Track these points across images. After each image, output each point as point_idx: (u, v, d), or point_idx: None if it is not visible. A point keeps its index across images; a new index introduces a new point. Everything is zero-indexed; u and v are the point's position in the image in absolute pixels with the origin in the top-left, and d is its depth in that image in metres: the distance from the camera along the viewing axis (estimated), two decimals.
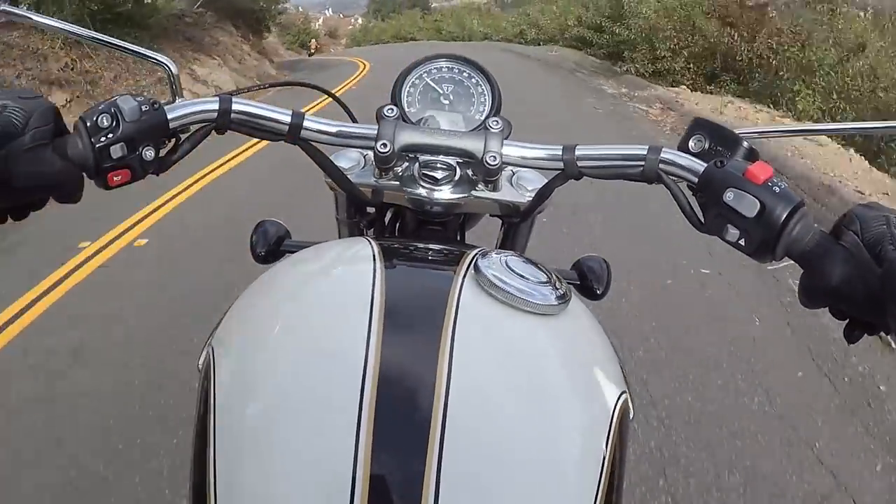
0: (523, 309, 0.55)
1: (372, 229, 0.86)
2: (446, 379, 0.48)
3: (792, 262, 0.59)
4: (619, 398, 0.57)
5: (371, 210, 0.82)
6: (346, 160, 0.78)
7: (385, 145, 0.69)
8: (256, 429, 0.48)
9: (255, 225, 0.84)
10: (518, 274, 0.57)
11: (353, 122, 0.80)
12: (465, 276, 0.57)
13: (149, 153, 0.65)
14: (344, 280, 0.61)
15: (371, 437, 0.44)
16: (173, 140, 0.70)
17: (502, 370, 0.52)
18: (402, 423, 0.46)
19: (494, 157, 0.69)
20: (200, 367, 0.58)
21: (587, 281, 0.82)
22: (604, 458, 0.51)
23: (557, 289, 0.57)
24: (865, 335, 0.58)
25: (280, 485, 0.45)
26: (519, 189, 0.77)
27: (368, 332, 0.50)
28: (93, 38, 0.80)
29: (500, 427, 0.48)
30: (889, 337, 0.58)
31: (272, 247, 0.82)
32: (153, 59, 0.78)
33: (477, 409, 0.48)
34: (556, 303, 0.56)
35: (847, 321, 0.58)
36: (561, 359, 0.56)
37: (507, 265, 0.57)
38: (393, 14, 43.74)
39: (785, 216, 0.56)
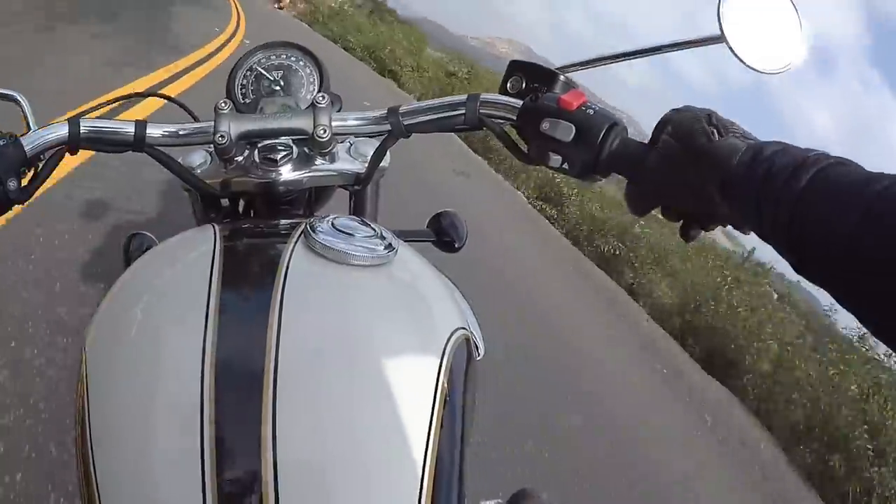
0: (352, 263, 0.59)
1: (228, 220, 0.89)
2: (275, 340, 0.52)
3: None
4: (451, 334, 0.60)
5: (225, 203, 0.85)
6: (194, 160, 0.81)
7: (223, 137, 0.73)
8: (120, 420, 0.53)
9: (126, 238, 0.88)
10: (345, 233, 0.61)
11: (195, 120, 0.83)
12: (295, 243, 0.61)
13: (12, 184, 0.68)
14: (185, 269, 0.64)
15: (213, 405, 0.49)
16: (33, 168, 0.73)
17: (329, 322, 0.55)
18: (239, 391, 0.50)
19: (324, 129, 0.73)
20: (78, 373, 0.61)
21: (443, 236, 0.87)
22: (435, 391, 0.54)
23: (384, 239, 0.62)
24: (701, 231, 0.61)
25: (141, 463, 0.50)
26: (357, 157, 0.80)
27: (206, 315, 0.54)
28: None
29: (328, 374, 0.52)
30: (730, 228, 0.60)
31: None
32: (1, 94, 0.80)
33: (305, 363, 0.52)
34: (382, 253, 0.60)
35: (681, 222, 0.61)
36: (387, 303, 0.60)
37: (332, 225, 0.61)
38: None
39: (602, 135, 0.59)
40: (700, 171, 0.54)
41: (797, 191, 0.47)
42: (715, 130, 0.56)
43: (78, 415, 0.57)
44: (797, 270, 0.49)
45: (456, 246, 0.86)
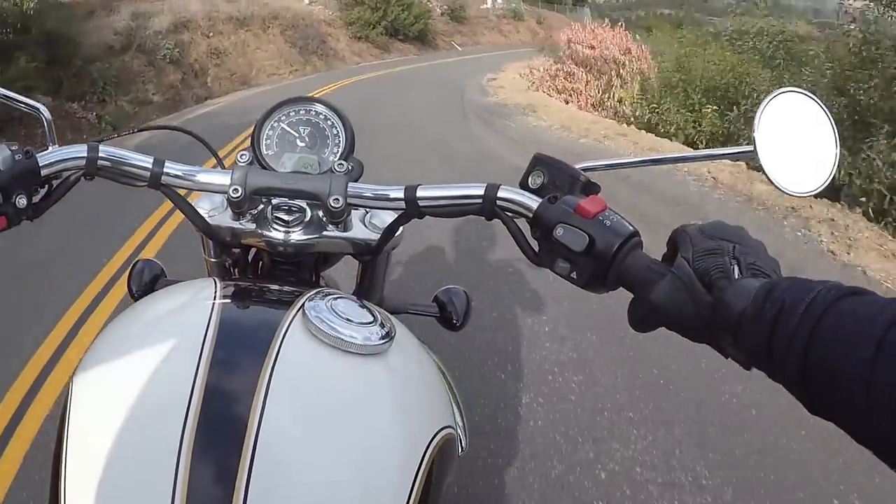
0: (346, 350, 0.57)
1: (237, 269, 0.89)
2: (258, 420, 0.51)
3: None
4: (437, 434, 0.59)
5: (236, 250, 0.85)
6: (210, 202, 0.81)
7: (236, 190, 0.72)
8: (96, 464, 0.52)
9: (132, 265, 0.87)
10: (342, 316, 0.59)
11: (221, 166, 0.83)
12: (293, 319, 0.60)
13: (21, 201, 0.67)
14: (180, 323, 0.63)
15: (187, 481, 0.48)
16: (46, 187, 0.73)
17: (315, 411, 0.54)
18: (216, 457, 0.50)
19: (338, 199, 0.72)
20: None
21: (446, 312, 0.86)
22: (410, 492, 0.53)
23: (383, 327, 0.60)
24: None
25: None
26: (371, 228, 0.79)
27: (196, 373, 0.54)
28: None
29: (307, 456, 0.52)
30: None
31: (147, 286, 0.86)
32: (26, 104, 0.80)
33: (286, 441, 0.52)
34: (378, 342, 0.58)
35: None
36: (376, 396, 0.59)
37: (332, 308, 0.60)
38: None
39: (615, 248, 0.57)
40: (714, 312, 0.52)
41: (808, 331, 0.45)
42: (736, 266, 0.53)
43: (56, 442, 0.56)
44: (811, 410, 0.47)
45: (457, 324, 0.85)
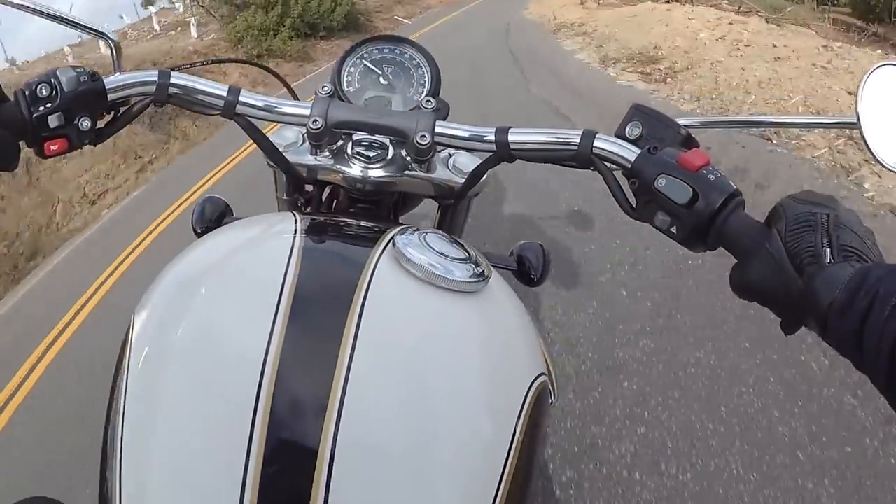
0: (439, 285, 0.54)
1: (310, 207, 0.87)
2: (349, 355, 0.47)
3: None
4: (534, 381, 0.56)
5: (309, 188, 0.82)
6: (284, 138, 0.78)
7: (316, 122, 0.70)
8: (158, 411, 0.49)
9: (198, 201, 0.85)
10: (436, 251, 0.56)
11: (295, 98, 0.81)
12: (382, 252, 0.57)
13: (85, 123, 0.66)
14: (260, 256, 0.60)
15: (264, 435, 0.44)
16: (112, 112, 0.71)
17: (411, 347, 0.51)
18: (295, 421, 0.46)
19: (425, 136, 0.69)
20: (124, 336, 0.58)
21: (524, 267, 0.83)
22: (511, 445, 0.50)
23: (477, 266, 0.57)
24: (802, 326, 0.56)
25: (174, 472, 0.45)
26: (455, 171, 0.77)
27: (276, 309, 0.50)
28: (37, 11, 0.80)
29: (400, 400, 0.48)
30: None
31: (212, 224, 0.83)
32: (94, 31, 0.78)
33: (378, 385, 0.48)
34: (473, 280, 0.56)
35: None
36: (474, 338, 0.56)
37: (425, 241, 0.57)
38: None
39: (718, 205, 0.55)
40: (804, 295, 0.49)
41: None
42: (828, 248, 0.50)
43: (114, 376, 0.53)
44: (894, 406, 0.45)
45: (534, 279, 0.82)
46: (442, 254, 0.56)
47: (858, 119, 0.68)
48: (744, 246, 0.55)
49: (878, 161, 0.69)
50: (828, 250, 0.50)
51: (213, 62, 0.89)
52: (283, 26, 12.49)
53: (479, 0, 17.09)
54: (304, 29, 13.11)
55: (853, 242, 0.51)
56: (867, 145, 0.69)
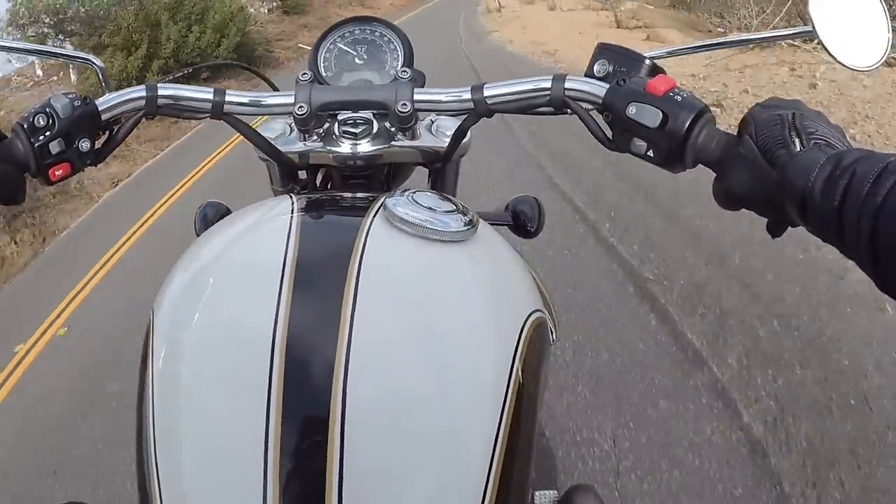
0: (431, 238, 0.57)
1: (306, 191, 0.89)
2: (351, 311, 0.51)
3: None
4: (528, 317, 0.59)
5: (303, 175, 0.85)
6: (272, 131, 0.81)
7: (301, 107, 0.73)
8: (184, 394, 0.52)
9: (199, 207, 0.88)
10: (424, 206, 0.59)
11: (275, 90, 0.84)
12: (374, 216, 0.60)
13: (85, 145, 0.69)
14: (261, 236, 0.64)
15: (282, 374, 0.48)
16: (107, 131, 0.74)
17: (406, 300, 0.54)
18: (311, 362, 0.49)
19: (406, 104, 0.73)
20: (145, 329, 0.61)
21: (520, 220, 0.86)
22: (510, 378, 0.53)
23: (465, 215, 0.60)
24: (788, 227, 0.58)
25: (203, 428, 0.49)
26: (438, 135, 0.80)
27: (280, 284, 0.53)
28: (17, 49, 0.84)
29: (402, 349, 0.51)
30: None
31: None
32: (80, 58, 0.82)
33: (380, 336, 0.51)
34: (463, 229, 0.59)
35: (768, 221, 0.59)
36: (466, 281, 0.59)
37: (413, 199, 0.60)
38: None
39: (688, 123, 0.58)
40: (780, 185, 0.52)
41: (879, 200, 0.45)
42: (797, 138, 0.53)
43: (141, 369, 0.57)
44: (882, 288, 0.47)
45: (531, 231, 0.85)
46: (430, 208, 0.60)
47: (813, 25, 0.71)
48: (719, 157, 0.58)
49: (839, 63, 0.73)
50: (797, 140, 0.53)
51: (194, 67, 0.92)
52: (151, 71, 9.80)
53: (411, 15, 15.82)
54: (180, 70, 8.65)
55: (821, 132, 0.54)
56: (827, 50, 0.72)
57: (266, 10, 16.82)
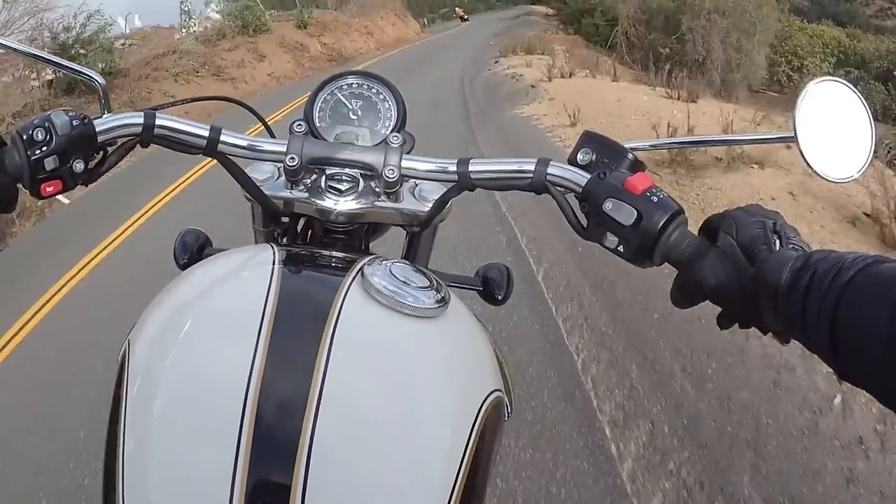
0: (403, 311, 0.59)
1: (286, 238, 0.91)
2: (322, 372, 0.53)
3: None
4: (488, 397, 0.61)
5: (285, 219, 0.87)
6: (262, 172, 0.83)
7: (293, 159, 0.75)
8: (154, 432, 0.54)
9: (178, 234, 0.89)
10: (400, 279, 0.62)
11: (271, 135, 0.85)
12: (351, 282, 0.62)
13: (78, 165, 0.70)
14: (242, 287, 0.65)
15: (250, 440, 0.50)
16: (101, 153, 0.75)
17: (375, 369, 0.57)
18: (281, 415, 0.52)
19: (393, 170, 0.75)
20: (118, 358, 0.63)
21: (489, 287, 0.88)
22: (464, 454, 0.55)
23: (438, 292, 0.63)
24: (737, 326, 0.62)
25: (171, 472, 0.51)
26: (420, 200, 0.81)
27: (258, 335, 0.55)
28: (27, 53, 0.85)
29: (367, 414, 0.54)
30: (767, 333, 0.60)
31: (193, 255, 0.88)
32: (83, 74, 0.83)
33: (347, 398, 0.54)
34: (434, 306, 0.61)
35: (721, 312, 0.62)
36: (433, 357, 0.61)
37: (390, 271, 0.62)
38: None
39: (662, 224, 0.60)
40: (755, 282, 0.55)
41: (836, 295, 0.48)
42: (777, 239, 0.57)
43: (113, 403, 0.58)
44: (841, 376, 0.50)
45: (499, 298, 0.87)
46: (405, 282, 0.62)
47: (796, 133, 0.73)
48: (688, 257, 0.60)
49: (814, 171, 0.74)
50: (777, 240, 0.57)
51: (193, 101, 0.94)
52: None
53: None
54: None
55: (796, 241, 0.57)
56: (804, 157, 0.74)
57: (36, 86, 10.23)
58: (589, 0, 21.26)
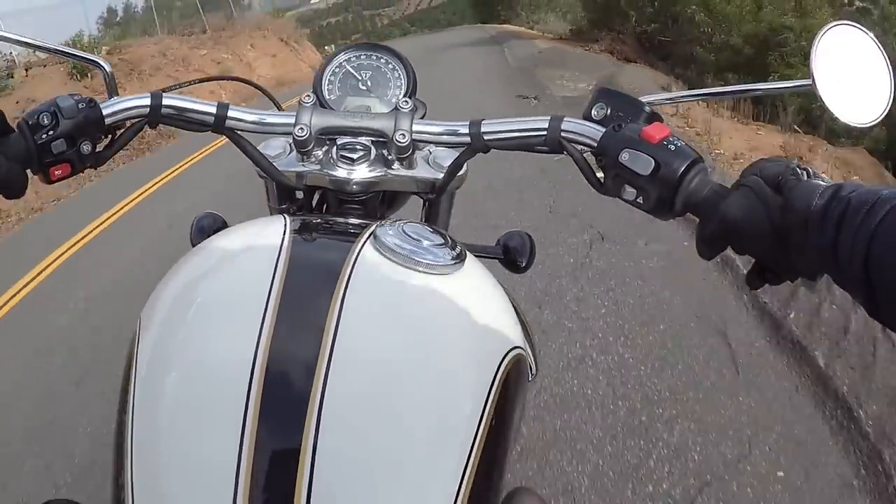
0: (417, 269, 0.58)
1: (301, 212, 0.90)
2: (332, 335, 0.52)
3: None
4: (507, 354, 0.60)
5: (299, 195, 0.86)
6: (273, 149, 0.82)
7: (302, 129, 0.74)
8: (164, 404, 0.53)
9: (195, 218, 0.89)
10: (413, 238, 0.61)
11: (279, 110, 0.85)
12: (363, 244, 0.61)
13: (86, 147, 0.70)
14: (251, 255, 0.64)
15: (261, 390, 0.49)
16: (109, 135, 0.75)
17: (388, 325, 0.55)
18: (290, 380, 0.51)
19: (404, 135, 0.74)
20: (132, 336, 0.62)
21: (510, 255, 0.87)
22: (484, 409, 0.54)
23: (453, 249, 0.61)
24: (766, 284, 0.59)
25: (178, 442, 0.51)
26: (434, 167, 0.80)
27: (267, 301, 0.54)
28: (29, 43, 0.85)
29: (379, 375, 0.53)
30: (799, 282, 0.58)
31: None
32: (88, 60, 0.83)
33: (359, 361, 0.52)
34: (449, 262, 0.60)
35: (751, 267, 0.60)
36: (449, 315, 0.59)
37: (403, 231, 0.61)
38: None
39: (681, 172, 0.58)
40: (784, 211, 0.53)
41: (871, 228, 0.46)
42: (805, 172, 0.55)
43: (124, 377, 0.58)
44: (871, 314, 0.48)
45: (521, 265, 0.86)
46: (418, 240, 0.61)
47: (813, 80, 0.72)
48: (710, 203, 0.58)
49: (835, 117, 0.73)
50: (805, 174, 0.55)
51: (200, 81, 0.93)
52: None
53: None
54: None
55: (823, 176, 0.55)
56: (824, 103, 0.72)
57: None
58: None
